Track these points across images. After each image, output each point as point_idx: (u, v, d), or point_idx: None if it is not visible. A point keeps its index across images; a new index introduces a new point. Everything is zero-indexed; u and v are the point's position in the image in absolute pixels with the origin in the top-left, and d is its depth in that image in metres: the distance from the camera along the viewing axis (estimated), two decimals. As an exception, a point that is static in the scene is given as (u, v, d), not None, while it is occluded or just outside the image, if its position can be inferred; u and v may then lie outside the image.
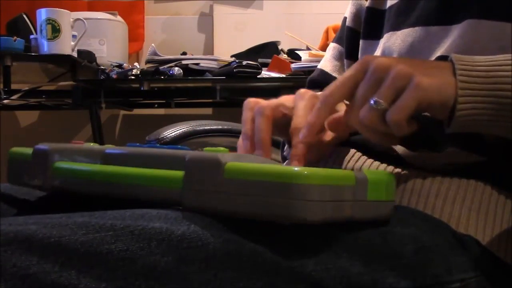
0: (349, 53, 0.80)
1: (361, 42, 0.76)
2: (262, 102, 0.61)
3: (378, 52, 0.71)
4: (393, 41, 0.68)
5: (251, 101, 0.61)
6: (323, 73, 0.83)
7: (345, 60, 0.81)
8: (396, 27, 0.68)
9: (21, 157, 0.56)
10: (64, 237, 0.36)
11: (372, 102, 0.49)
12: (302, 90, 0.61)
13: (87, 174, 0.50)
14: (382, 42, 0.71)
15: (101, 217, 0.39)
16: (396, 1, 0.70)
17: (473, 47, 0.58)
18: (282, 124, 0.61)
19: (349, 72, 0.52)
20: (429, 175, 0.58)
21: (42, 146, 0.53)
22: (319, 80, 0.83)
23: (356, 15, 0.80)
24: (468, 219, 0.56)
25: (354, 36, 0.79)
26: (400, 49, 0.66)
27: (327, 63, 0.84)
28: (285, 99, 0.62)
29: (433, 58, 0.61)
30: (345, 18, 0.82)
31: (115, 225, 0.38)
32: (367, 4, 0.76)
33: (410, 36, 0.65)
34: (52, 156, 0.52)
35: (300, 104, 0.59)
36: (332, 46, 0.85)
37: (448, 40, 0.61)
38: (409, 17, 0.66)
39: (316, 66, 0.89)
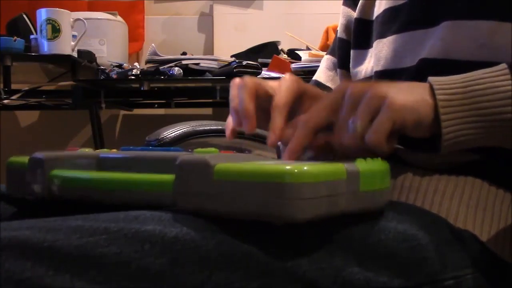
0: (341, 62, 0.82)
1: (351, 51, 0.78)
2: (246, 78, 0.62)
3: (370, 60, 0.73)
4: (380, 48, 0.70)
5: (236, 80, 0.62)
6: (317, 83, 0.86)
7: (338, 69, 0.84)
8: (382, 35, 0.70)
9: (18, 167, 0.56)
10: (58, 241, 0.36)
11: (350, 124, 0.50)
12: (287, 75, 0.62)
13: (82, 182, 0.51)
14: (371, 50, 0.73)
15: (95, 220, 0.39)
16: (382, 11, 0.72)
17: (453, 47, 0.60)
18: (264, 102, 0.61)
19: (327, 98, 0.54)
20: (427, 173, 0.59)
21: (38, 155, 0.53)
22: None
23: (346, 26, 0.82)
24: (466, 215, 0.57)
25: (345, 46, 0.81)
26: (387, 55, 0.68)
27: (321, 74, 0.87)
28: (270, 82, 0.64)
29: (417, 61, 0.63)
30: (337, 31, 0.85)
31: (109, 228, 0.38)
32: (355, 15, 0.79)
33: (395, 42, 0.67)
34: (48, 165, 0.52)
35: (284, 84, 0.59)
36: (326, 58, 0.88)
37: (429, 42, 0.62)
38: (394, 24, 0.68)
39: (316, 66, 0.92)
